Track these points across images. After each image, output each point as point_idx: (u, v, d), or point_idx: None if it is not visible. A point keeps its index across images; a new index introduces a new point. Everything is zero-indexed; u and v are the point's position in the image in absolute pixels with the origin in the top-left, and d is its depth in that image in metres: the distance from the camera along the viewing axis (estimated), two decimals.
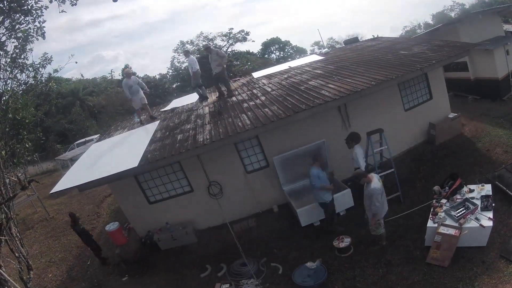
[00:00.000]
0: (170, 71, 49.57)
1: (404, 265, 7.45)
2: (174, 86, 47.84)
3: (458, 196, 8.16)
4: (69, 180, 9.96)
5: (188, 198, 11.25)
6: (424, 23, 53.38)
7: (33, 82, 7.97)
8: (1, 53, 6.95)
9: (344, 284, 7.50)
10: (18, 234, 6.53)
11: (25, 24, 7.07)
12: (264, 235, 10.33)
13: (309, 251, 8.96)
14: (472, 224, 7.18)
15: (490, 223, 7.07)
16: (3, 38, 6.87)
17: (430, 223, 7.66)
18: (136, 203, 11.21)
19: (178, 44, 47.06)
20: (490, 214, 7.24)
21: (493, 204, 7.55)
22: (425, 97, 12.49)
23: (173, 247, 10.83)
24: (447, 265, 6.94)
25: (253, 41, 50.20)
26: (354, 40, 21.00)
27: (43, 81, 8.22)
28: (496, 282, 6.27)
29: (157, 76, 49.29)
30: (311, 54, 44.88)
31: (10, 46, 7.15)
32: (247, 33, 44.76)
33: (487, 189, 8.11)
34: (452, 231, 7.12)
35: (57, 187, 9.49)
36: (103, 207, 15.92)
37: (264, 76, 15.33)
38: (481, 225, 7.05)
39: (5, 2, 6.56)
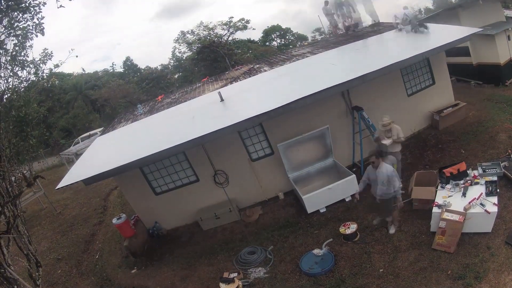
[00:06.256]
0: (172, 61, 49.30)
1: (411, 251, 7.47)
2: (176, 76, 47.70)
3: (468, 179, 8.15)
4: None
5: (194, 188, 11.30)
6: (425, 8, 52.55)
7: (34, 78, 7.92)
8: (1, 51, 6.91)
9: (351, 271, 7.52)
10: (25, 231, 6.55)
11: (23, 22, 7.02)
12: (271, 222, 10.39)
13: (315, 238, 9.00)
14: (477, 210, 7.16)
15: (495, 209, 7.03)
16: (2, 37, 6.82)
17: (435, 209, 7.63)
18: (142, 195, 11.29)
19: (178, 35, 46.67)
20: (495, 200, 7.21)
21: (498, 190, 7.53)
22: (427, 82, 12.43)
23: (215, 227, 10.96)
24: (453, 251, 6.96)
25: (253, 29, 49.85)
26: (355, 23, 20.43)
27: (44, 77, 8.17)
28: (502, 269, 6.28)
29: (159, 67, 49.08)
30: (312, 40, 44.44)
31: (10, 44, 7.11)
32: (247, 21, 44.23)
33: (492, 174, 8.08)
34: (456, 217, 7.09)
35: (64, 181, 9.48)
36: (109, 200, 16.06)
37: (266, 63, 15.25)
38: (486, 210, 7.02)
39: (2, 1, 6.50)
